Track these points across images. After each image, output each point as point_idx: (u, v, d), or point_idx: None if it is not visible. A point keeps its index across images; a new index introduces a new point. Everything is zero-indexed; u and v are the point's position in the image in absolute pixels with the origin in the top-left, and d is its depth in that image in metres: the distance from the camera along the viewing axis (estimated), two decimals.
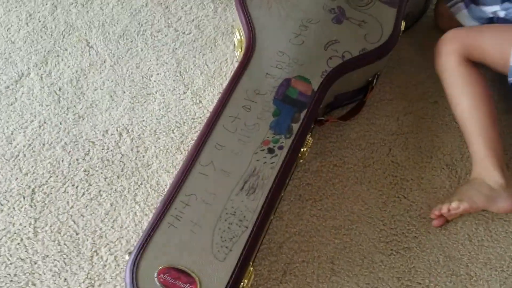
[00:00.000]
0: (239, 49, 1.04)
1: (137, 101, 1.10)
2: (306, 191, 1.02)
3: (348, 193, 1.02)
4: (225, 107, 0.88)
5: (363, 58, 0.95)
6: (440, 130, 1.10)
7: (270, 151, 0.85)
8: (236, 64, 1.15)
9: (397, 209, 1.00)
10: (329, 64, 0.94)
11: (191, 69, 1.15)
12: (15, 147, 1.02)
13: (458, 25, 1.09)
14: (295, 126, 0.88)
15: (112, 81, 1.12)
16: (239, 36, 1.01)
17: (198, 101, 1.11)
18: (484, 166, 0.95)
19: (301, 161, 0.97)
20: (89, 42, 1.17)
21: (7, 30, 1.18)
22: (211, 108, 1.10)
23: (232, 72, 1.07)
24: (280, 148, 0.85)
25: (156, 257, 0.74)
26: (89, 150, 1.04)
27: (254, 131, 0.86)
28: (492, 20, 1.04)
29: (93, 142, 1.05)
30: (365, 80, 1.04)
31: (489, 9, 1.03)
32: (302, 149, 0.89)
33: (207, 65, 1.16)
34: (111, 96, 1.10)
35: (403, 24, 1.03)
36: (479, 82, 0.97)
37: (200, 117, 1.09)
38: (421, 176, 1.04)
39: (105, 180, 1.00)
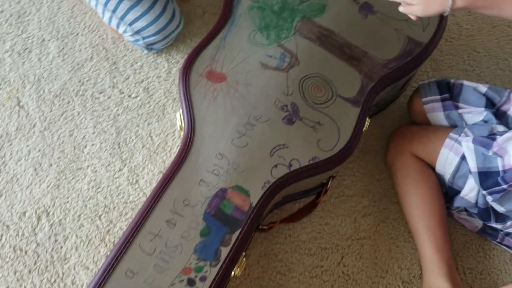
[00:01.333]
0: (182, 132, 0.92)
1: (64, 177, 0.98)
2: None
3: None
4: (146, 220, 0.76)
5: (313, 168, 0.83)
6: (401, 238, 0.98)
7: (190, 282, 0.73)
8: None
9: None
10: (273, 174, 0.82)
11: (132, 140, 1.03)
12: None
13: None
14: (224, 251, 0.76)
15: (39, 151, 1.00)
16: (180, 122, 0.89)
17: (134, 181, 0.99)
18: (431, 270, 0.89)
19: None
20: (20, 101, 1.04)
21: None
22: (148, 191, 0.98)
23: (174, 155, 0.96)
24: (203, 279, 0.74)
25: None
26: (1, 236, 0.92)
27: (176, 255, 0.75)
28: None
29: (7, 226, 0.93)
30: (318, 183, 0.92)
31: (472, 118, 0.91)
32: (232, 273, 0.78)
33: (151, 137, 1.04)
34: (35, 170, 0.98)
35: (367, 121, 0.91)
36: (428, 180, 0.92)
37: (134, 201, 0.97)
38: None
39: (14, 275, 0.89)
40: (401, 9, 0.82)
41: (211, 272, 0.74)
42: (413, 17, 0.81)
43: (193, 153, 0.82)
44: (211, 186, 0.80)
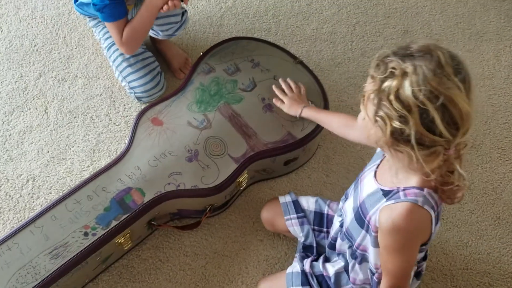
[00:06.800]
0: None
1: (52, 161, 1.40)
2: (127, 271, 1.25)
3: (155, 286, 1.23)
4: (76, 192, 1.16)
5: (191, 192, 1.20)
6: (255, 261, 1.29)
7: (85, 234, 1.10)
8: None
9: None
10: (165, 188, 1.19)
11: (104, 151, 1.44)
12: None
13: None
14: (114, 223, 1.13)
15: (44, 141, 1.44)
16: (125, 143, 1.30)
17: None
18: None
19: (126, 248, 1.21)
20: (47, 108, 1.51)
21: (1, 83, 1.55)
22: None
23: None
24: (93, 234, 1.11)
25: None
26: (2, 184, 1.34)
27: (84, 216, 1.13)
28: None
29: (7, 179, 1.35)
30: (202, 206, 1.27)
31: None
32: (116, 241, 1.13)
33: (116, 151, 1.45)
34: (37, 152, 1.42)
35: (245, 174, 1.27)
36: None
37: None
38: None
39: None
40: (274, 100, 1.22)
41: (99, 233, 1.11)
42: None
43: (121, 162, 1.22)
44: (124, 184, 1.19)
